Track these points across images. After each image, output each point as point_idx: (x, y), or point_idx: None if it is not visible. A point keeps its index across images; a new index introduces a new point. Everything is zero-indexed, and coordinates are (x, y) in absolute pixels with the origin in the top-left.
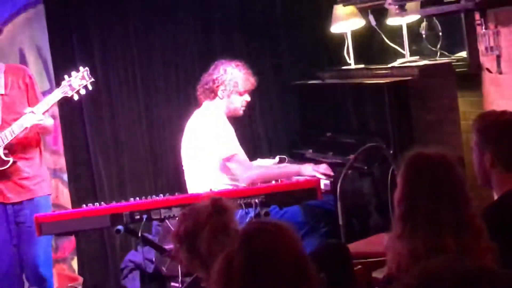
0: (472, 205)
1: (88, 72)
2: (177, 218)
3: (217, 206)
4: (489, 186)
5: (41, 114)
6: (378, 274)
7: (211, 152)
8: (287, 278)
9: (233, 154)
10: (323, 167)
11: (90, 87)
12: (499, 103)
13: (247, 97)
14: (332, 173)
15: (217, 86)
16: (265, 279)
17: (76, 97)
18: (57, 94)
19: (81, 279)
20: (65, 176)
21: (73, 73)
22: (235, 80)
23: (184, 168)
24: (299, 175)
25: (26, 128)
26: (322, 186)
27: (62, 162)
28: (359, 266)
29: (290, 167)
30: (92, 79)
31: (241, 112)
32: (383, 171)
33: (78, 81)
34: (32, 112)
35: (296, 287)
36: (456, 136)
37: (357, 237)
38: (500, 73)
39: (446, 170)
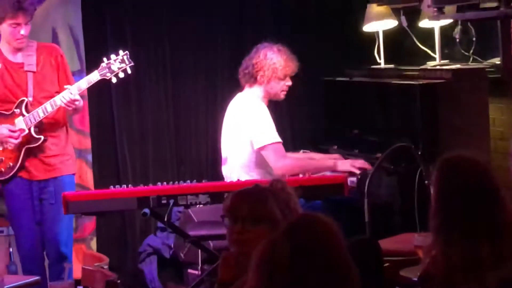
0: (507, 210)
1: (128, 56)
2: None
3: (279, 182)
4: None
5: (77, 94)
6: (405, 273)
7: (249, 142)
8: (330, 273)
9: (269, 143)
10: (361, 162)
11: (129, 71)
12: None
13: (288, 81)
14: (370, 167)
15: (257, 71)
16: (308, 272)
17: (114, 80)
18: (96, 76)
19: (107, 259)
20: (90, 157)
21: (112, 56)
22: (274, 65)
23: (222, 152)
24: (334, 170)
25: (60, 106)
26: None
27: (87, 142)
28: (387, 264)
29: (326, 162)
30: (132, 63)
31: (282, 96)
32: (410, 172)
33: (118, 64)
34: (70, 91)
35: (337, 282)
36: (485, 142)
37: (381, 236)
38: None
39: (479, 178)
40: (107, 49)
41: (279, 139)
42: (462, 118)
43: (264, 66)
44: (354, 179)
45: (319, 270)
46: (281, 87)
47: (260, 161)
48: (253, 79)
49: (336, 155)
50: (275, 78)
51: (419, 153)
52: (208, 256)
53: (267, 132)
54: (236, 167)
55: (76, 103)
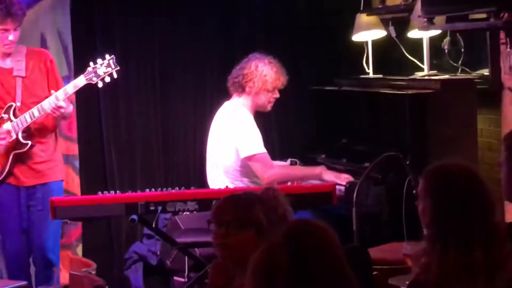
0: (496, 214)
1: (114, 60)
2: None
3: (271, 189)
4: None
5: (63, 100)
6: (394, 281)
7: (234, 151)
8: (330, 278)
9: (256, 153)
10: (345, 177)
11: (115, 75)
12: None
13: (276, 94)
14: (353, 179)
15: (246, 82)
16: (309, 277)
17: (100, 84)
18: (82, 80)
19: (94, 264)
20: (77, 163)
21: (99, 60)
22: (264, 78)
23: (207, 160)
24: (319, 178)
25: (46, 112)
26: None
27: (75, 148)
28: (376, 272)
29: (312, 170)
30: (118, 68)
31: (269, 108)
32: (397, 181)
33: (104, 68)
34: (56, 97)
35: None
36: (472, 153)
37: (368, 245)
38: None
39: (473, 185)
40: (95, 55)
41: (264, 150)
42: (450, 129)
43: (255, 77)
44: (342, 188)
45: (319, 275)
46: (269, 98)
47: (246, 170)
48: (241, 89)
49: (320, 167)
50: (264, 90)
51: (407, 162)
52: (194, 264)
53: (253, 142)
54: (222, 175)
55: (62, 110)
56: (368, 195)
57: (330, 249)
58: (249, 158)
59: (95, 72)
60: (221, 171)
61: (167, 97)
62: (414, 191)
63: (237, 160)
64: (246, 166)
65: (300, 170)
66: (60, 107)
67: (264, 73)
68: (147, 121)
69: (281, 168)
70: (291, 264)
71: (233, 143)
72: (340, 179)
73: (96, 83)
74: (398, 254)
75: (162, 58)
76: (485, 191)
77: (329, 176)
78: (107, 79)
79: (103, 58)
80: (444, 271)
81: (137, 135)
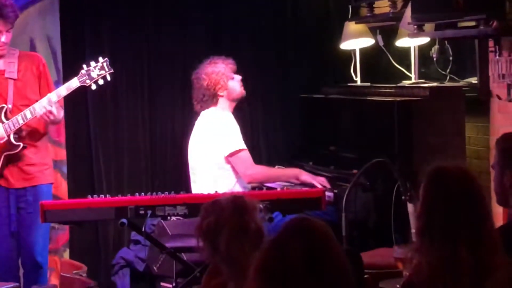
0: (491, 219)
1: (108, 63)
2: (200, 211)
3: (238, 205)
4: (507, 206)
5: (56, 102)
6: (384, 285)
7: (215, 151)
8: (336, 274)
9: (237, 150)
10: (322, 180)
11: (109, 78)
12: (506, 130)
13: (238, 77)
14: (329, 186)
15: (214, 88)
16: (320, 272)
17: (94, 87)
18: (75, 82)
19: (85, 267)
20: (65, 168)
21: (92, 62)
22: (220, 71)
23: (189, 168)
24: (297, 178)
25: (39, 114)
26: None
27: (62, 154)
28: (366, 276)
29: (290, 170)
30: (112, 70)
31: (243, 91)
32: (386, 188)
33: (97, 71)
34: (49, 99)
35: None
36: (460, 160)
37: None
38: (510, 100)
39: (464, 185)
40: (84, 60)
41: (245, 146)
42: (438, 136)
43: (215, 78)
44: (331, 194)
45: (331, 269)
46: (238, 82)
47: (228, 175)
48: (215, 97)
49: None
50: (229, 78)
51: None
52: (182, 269)
53: (233, 139)
54: (205, 183)
55: (51, 117)
56: (356, 201)
57: (335, 243)
58: (230, 155)
59: (89, 75)
60: (205, 179)
61: (155, 102)
62: (403, 197)
63: (220, 165)
64: (228, 172)
65: (280, 170)
66: (51, 112)
67: (216, 69)
68: (135, 126)
69: (263, 168)
70: (305, 259)
71: (214, 146)
72: (316, 181)
73: (90, 86)
74: (387, 259)
75: (150, 64)
76: (475, 193)
77: (307, 177)
78: (101, 82)
79: (97, 61)
80: (431, 269)
81: (125, 141)
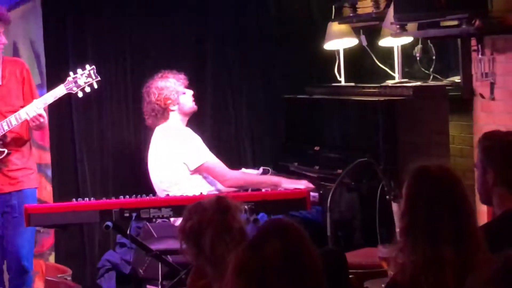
0: (474, 218)
1: (95, 71)
2: (183, 214)
3: (222, 205)
4: (490, 204)
5: (42, 109)
6: (369, 284)
7: (179, 169)
8: (310, 274)
9: (200, 165)
10: (304, 183)
11: (96, 86)
12: (489, 128)
13: (190, 92)
14: (313, 186)
15: (165, 103)
16: (295, 271)
17: (80, 94)
18: (62, 90)
19: (70, 270)
20: (49, 172)
21: (79, 70)
22: (170, 86)
23: (155, 187)
24: (277, 186)
25: (24, 121)
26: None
27: (47, 157)
28: (351, 276)
29: (271, 178)
30: (98, 78)
31: (195, 105)
32: (370, 187)
33: (84, 78)
34: (36, 106)
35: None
36: (444, 159)
37: (342, 250)
38: (493, 99)
39: (446, 184)
40: (68, 64)
41: (208, 157)
42: (422, 135)
43: (165, 94)
44: (316, 194)
45: (308, 267)
46: (190, 97)
47: (202, 183)
48: (165, 112)
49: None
50: (180, 93)
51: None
52: (168, 272)
53: (194, 154)
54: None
55: (41, 119)
56: (341, 201)
57: (310, 243)
58: (196, 170)
59: (75, 82)
60: (174, 191)
61: (139, 106)
62: (387, 197)
63: (188, 176)
64: (196, 180)
65: (260, 177)
66: (41, 115)
67: (166, 84)
68: (120, 130)
69: (241, 173)
70: (281, 259)
71: (180, 160)
72: (300, 184)
73: (76, 93)
74: (372, 259)
75: (134, 68)
76: (458, 192)
77: (289, 184)
78: (88, 90)
79: (84, 68)
80: (415, 267)
81: (109, 144)
